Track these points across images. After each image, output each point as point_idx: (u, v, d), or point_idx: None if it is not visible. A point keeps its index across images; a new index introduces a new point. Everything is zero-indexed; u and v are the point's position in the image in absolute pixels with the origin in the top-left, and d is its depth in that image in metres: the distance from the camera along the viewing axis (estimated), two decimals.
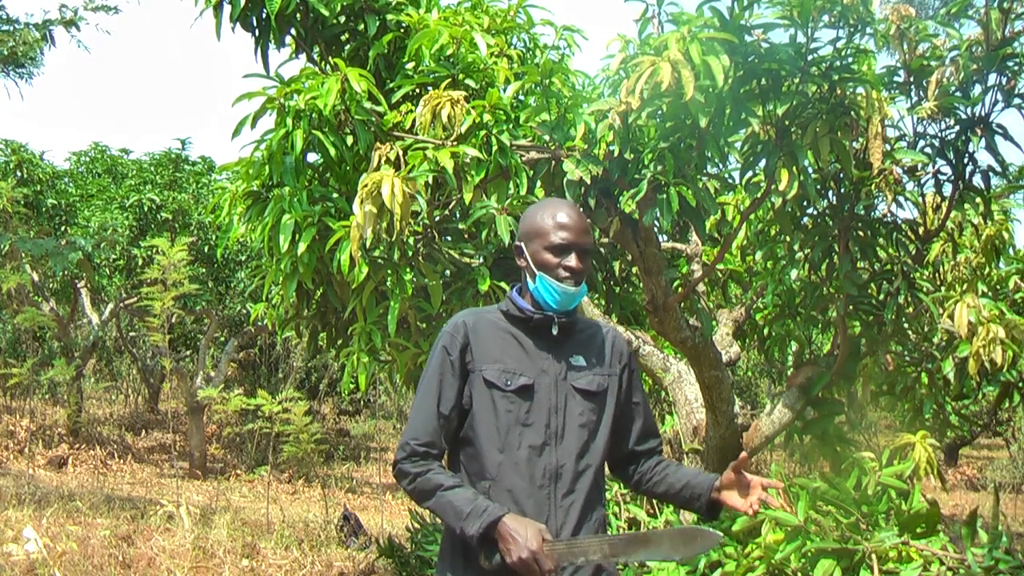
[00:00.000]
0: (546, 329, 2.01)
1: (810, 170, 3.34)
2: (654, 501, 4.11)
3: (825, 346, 5.48)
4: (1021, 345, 3.54)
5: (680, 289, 4.20)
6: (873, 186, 3.51)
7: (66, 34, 6.62)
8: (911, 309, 3.82)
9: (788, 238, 3.81)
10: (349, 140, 3.55)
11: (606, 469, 2.10)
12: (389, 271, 3.53)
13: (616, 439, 2.08)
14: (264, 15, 3.68)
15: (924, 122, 3.56)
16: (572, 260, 1.99)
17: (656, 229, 3.80)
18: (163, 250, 6.75)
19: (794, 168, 3.18)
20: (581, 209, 2.08)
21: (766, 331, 4.73)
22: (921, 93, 3.55)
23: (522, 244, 2.04)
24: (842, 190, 3.66)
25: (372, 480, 11.14)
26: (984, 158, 3.61)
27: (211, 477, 10.51)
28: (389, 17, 3.78)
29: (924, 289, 3.67)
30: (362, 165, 3.63)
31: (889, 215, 3.74)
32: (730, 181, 3.84)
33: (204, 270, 10.27)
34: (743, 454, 1.99)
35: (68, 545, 4.96)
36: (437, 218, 3.80)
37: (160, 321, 6.72)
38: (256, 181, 3.79)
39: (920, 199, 3.87)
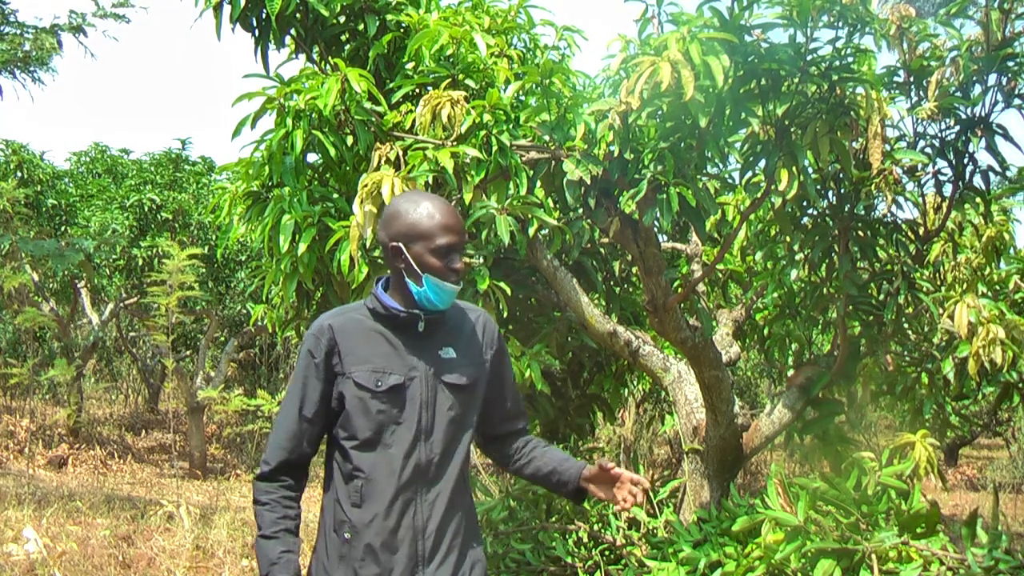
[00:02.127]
0: (413, 326, 2.00)
1: (810, 170, 3.34)
2: (655, 501, 4.11)
3: (825, 346, 5.48)
4: (1021, 345, 3.54)
5: (680, 289, 4.19)
6: (873, 186, 3.51)
7: (73, 39, 6.64)
8: (911, 309, 3.82)
9: (788, 238, 3.81)
10: (349, 140, 3.55)
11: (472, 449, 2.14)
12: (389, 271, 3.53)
13: (485, 421, 2.12)
14: (264, 15, 3.68)
15: (924, 122, 3.56)
16: (457, 262, 1.98)
17: (656, 229, 3.80)
18: (172, 253, 6.77)
19: (794, 168, 3.18)
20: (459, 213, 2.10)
21: (766, 331, 4.73)
22: (921, 93, 3.55)
23: (400, 244, 1.96)
24: (842, 190, 3.66)
25: None
26: (984, 158, 3.61)
27: (211, 477, 10.51)
28: (389, 17, 3.79)
29: (924, 289, 3.67)
30: (362, 165, 3.63)
31: (889, 215, 3.74)
32: (730, 181, 3.84)
33: (204, 270, 10.26)
34: (610, 465, 2.02)
35: (68, 545, 4.96)
36: None
37: (163, 322, 6.73)
38: (256, 181, 3.79)
39: (920, 199, 3.87)
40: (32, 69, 6.43)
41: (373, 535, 1.92)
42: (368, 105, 3.50)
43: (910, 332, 4.01)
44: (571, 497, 2.12)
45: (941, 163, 3.61)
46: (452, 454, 2.00)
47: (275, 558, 1.91)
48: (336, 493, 1.98)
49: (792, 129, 3.23)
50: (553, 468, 2.11)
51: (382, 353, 1.97)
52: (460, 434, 2.01)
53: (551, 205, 3.95)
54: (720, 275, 4.82)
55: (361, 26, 3.82)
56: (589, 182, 3.30)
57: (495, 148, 3.37)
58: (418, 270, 1.96)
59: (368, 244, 3.17)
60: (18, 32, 6.34)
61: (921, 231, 3.84)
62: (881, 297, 3.75)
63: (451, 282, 1.97)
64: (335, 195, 3.65)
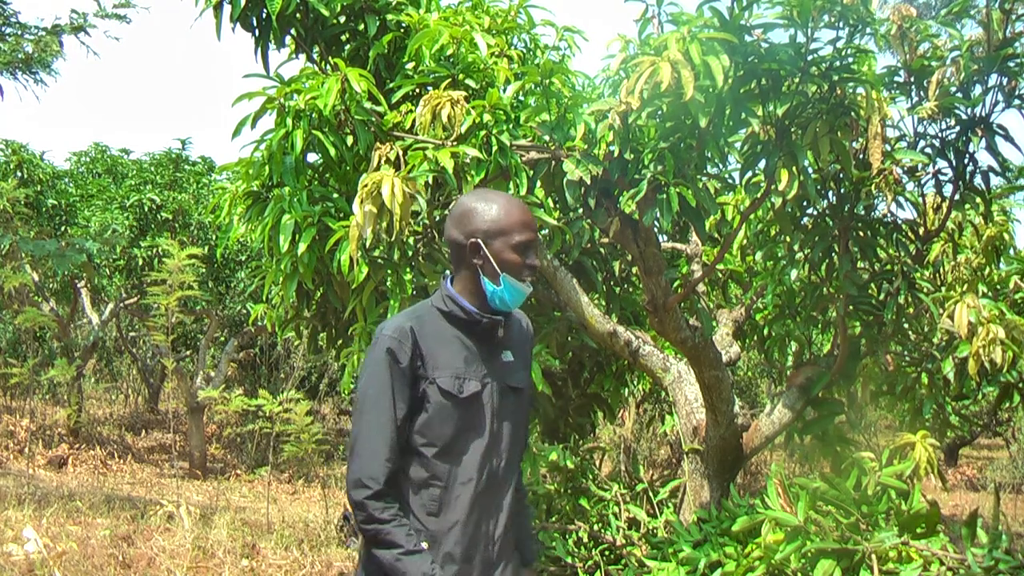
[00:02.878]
0: (492, 332, 1.97)
1: (810, 170, 3.34)
2: (655, 502, 4.11)
3: (825, 346, 5.48)
4: (1021, 345, 3.54)
5: (680, 289, 4.19)
6: (873, 186, 3.51)
7: (75, 40, 6.64)
8: (911, 309, 3.82)
9: (788, 238, 3.81)
10: (349, 140, 3.55)
11: None
12: (389, 271, 3.54)
13: None
14: (264, 15, 3.68)
15: (924, 122, 3.56)
16: (534, 258, 1.96)
17: (656, 229, 3.80)
18: (172, 252, 6.77)
19: (794, 168, 3.18)
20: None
21: (766, 331, 4.73)
22: (921, 93, 3.55)
23: (479, 241, 1.93)
24: (842, 190, 3.66)
25: None
26: (984, 158, 3.61)
27: (211, 477, 10.51)
28: (389, 17, 3.79)
29: (924, 289, 3.67)
30: (362, 165, 3.63)
31: (889, 215, 3.74)
32: (730, 181, 3.84)
33: (204, 270, 10.26)
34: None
35: (68, 545, 4.96)
36: (437, 218, 3.79)
37: (163, 321, 6.73)
38: (256, 181, 3.79)
39: (920, 199, 3.87)
40: (34, 70, 6.43)
41: (452, 544, 1.89)
42: (368, 105, 3.50)
43: (910, 332, 4.01)
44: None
45: (941, 163, 3.61)
46: (515, 459, 2.00)
47: (429, 570, 1.82)
48: (407, 502, 1.91)
49: (792, 129, 3.23)
50: (519, 538, 2.08)
51: (461, 358, 1.93)
52: (520, 439, 2.01)
53: (551, 205, 3.95)
54: (720, 275, 4.83)
55: (361, 26, 3.82)
56: (589, 182, 3.30)
57: (495, 148, 3.37)
58: (496, 268, 1.92)
59: (368, 244, 3.17)
60: (19, 33, 6.34)
61: (921, 231, 3.84)
62: (881, 297, 3.75)
63: (526, 280, 1.96)
64: (335, 195, 3.65)
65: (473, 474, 1.91)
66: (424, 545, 1.86)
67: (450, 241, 1.99)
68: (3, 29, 6.31)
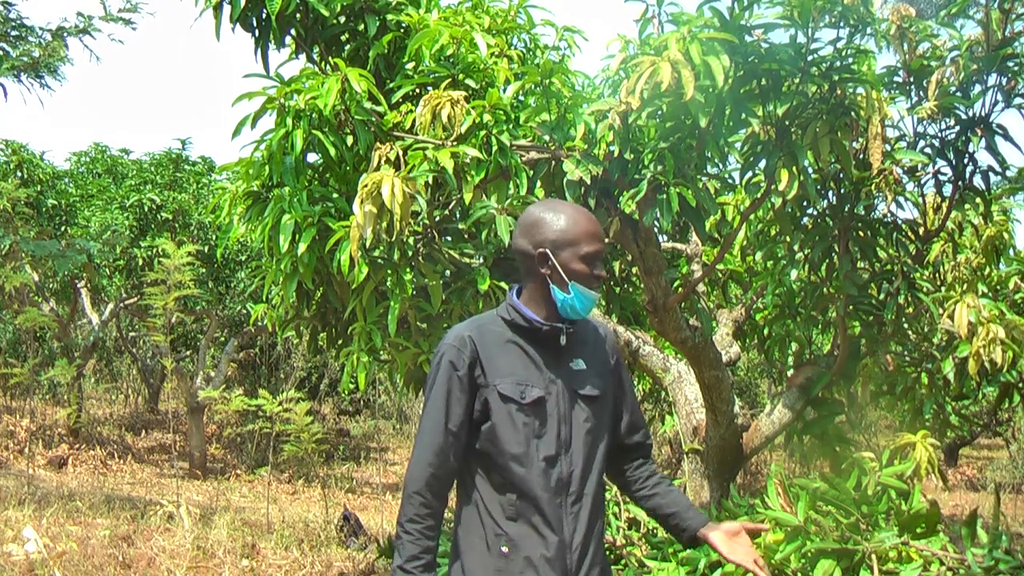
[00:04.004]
0: (554, 339, 1.99)
1: (810, 170, 3.34)
2: None
3: (825, 346, 5.48)
4: (1021, 345, 3.54)
5: (680, 289, 4.20)
6: (873, 186, 3.51)
7: (77, 42, 6.64)
8: (911, 309, 3.82)
9: (788, 238, 3.81)
10: (349, 140, 3.55)
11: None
12: (389, 271, 3.53)
13: (614, 431, 2.11)
14: (264, 15, 3.68)
15: (924, 122, 3.56)
16: (601, 269, 1.98)
17: (656, 229, 3.80)
18: (169, 252, 6.77)
19: (794, 168, 3.18)
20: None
21: (766, 331, 4.73)
22: (921, 93, 3.55)
23: (547, 251, 1.96)
24: (842, 190, 3.66)
25: (372, 480, 11.14)
26: (984, 158, 3.61)
27: (211, 477, 10.51)
28: (389, 17, 3.78)
29: (924, 289, 3.67)
30: (362, 165, 3.62)
31: (889, 215, 3.74)
32: (730, 181, 3.84)
33: (204, 270, 10.27)
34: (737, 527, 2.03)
35: (68, 545, 4.96)
36: (437, 218, 3.79)
37: (162, 321, 6.74)
38: (256, 181, 3.78)
39: (920, 199, 3.87)
40: (40, 75, 6.43)
41: (531, 548, 1.90)
42: (368, 105, 3.50)
43: (910, 332, 4.01)
44: (683, 542, 2.11)
45: (941, 163, 3.61)
46: (591, 467, 1.99)
47: None
48: (485, 506, 1.94)
49: (792, 129, 3.23)
50: (675, 512, 2.09)
51: (523, 366, 1.96)
52: (596, 446, 2.00)
53: None
54: (720, 275, 4.83)
55: (361, 26, 3.82)
56: (589, 182, 3.30)
57: (495, 148, 3.37)
58: (565, 277, 1.95)
59: (368, 244, 3.17)
60: (24, 37, 6.34)
61: (921, 231, 3.84)
62: (881, 297, 3.75)
63: (595, 289, 1.97)
64: (335, 195, 3.65)
65: (543, 480, 1.93)
66: (505, 549, 1.91)
67: (518, 251, 2.02)
68: (9, 32, 6.31)
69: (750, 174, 3.44)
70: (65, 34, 6.50)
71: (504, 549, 1.91)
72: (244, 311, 10.81)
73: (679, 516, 2.09)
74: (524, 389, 1.94)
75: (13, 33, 6.33)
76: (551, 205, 2.03)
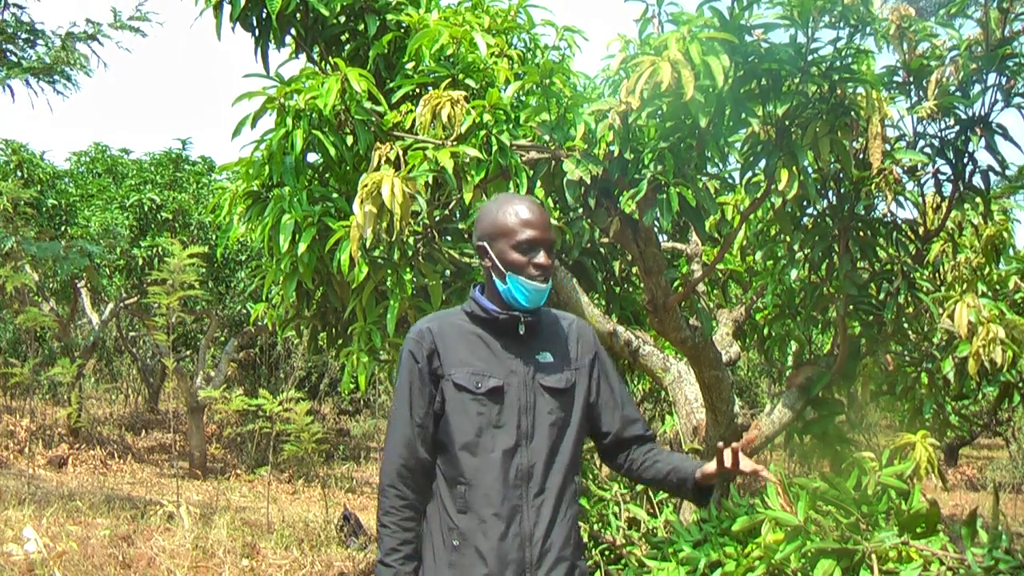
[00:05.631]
0: (512, 329, 2.00)
1: (810, 170, 3.34)
2: (655, 501, 4.11)
3: (825, 346, 5.48)
4: (1021, 345, 3.54)
5: (680, 289, 4.20)
6: (873, 186, 3.51)
7: (85, 47, 6.64)
8: (911, 309, 3.82)
9: (788, 238, 3.81)
10: (349, 140, 3.55)
11: (596, 462, 2.12)
12: (389, 271, 3.53)
13: (596, 429, 2.10)
14: (264, 15, 3.68)
15: (924, 122, 3.56)
16: (541, 257, 1.97)
17: (656, 229, 3.80)
18: (173, 252, 6.78)
19: (794, 168, 3.18)
20: (540, 205, 2.07)
21: (766, 331, 4.72)
22: (921, 93, 3.55)
23: (485, 244, 2.00)
24: (842, 190, 3.66)
25: (372, 480, 11.14)
26: (984, 158, 3.61)
27: (211, 477, 10.51)
28: (389, 17, 3.78)
29: (924, 289, 3.67)
30: (362, 165, 3.62)
31: (889, 215, 3.74)
32: (730, 181, 3.84)
33: (204, 270, 10.27)
34: (747, 440, 2.00)
35: (68, 545, 4.96)
36: (437, 218, 3.79)
37: (164, 321, 6.74)
38: (256, 181, 3.79)
39: (920, 199, 3.87)
40: (53, 79, 6.44)
41: (482, 541, 1.91)
42: (368, 105, 3.50)
43: (910, 332, 4.01)
44: (694, 499, 2.08)
45: (941, 163, 3.61)
46: (555, 460, 1.98)
47: None
48: (440, 500, 1.97)
49: (792, 129, 3.23)
50: (672, 468, 2.08)
51: (481, 356, 1.97)
52: (561, 439, 2.00)
53: (551, 205, 3.95)
54: (720, 275, 4.83)
55: (361, 26, 3.82)
56: (589, 182, 3.30)
57: (495, 148, 3.37)
58: (502, 267, 1.97)
59: (368, 244, 3.17)
60: (32, 40, 6.35)
61: (921, 231, 3.84)
62: (881, 297, 3.75)
63: (535, 278, 1.97)
64: (335, 195, 3.65)
65: (498, 472, 1.93)
66: (456, 543, 1.92)
67: (474, 246, 2.07)
68: (19, 36, 6.32)
69: (750, 174, 3.44)
70: (75, 40, 6.51)
71: (455, 542, 1.92)
72: (244, 311, 10.81)
73: (677, 470, 2.07)
74: (480, 379, 1.95)
75: (24, 36, 6.34)
76: (495, 199, 2.06)
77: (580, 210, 3.69)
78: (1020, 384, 4.13)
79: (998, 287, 4.84)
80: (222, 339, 12.58)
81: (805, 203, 3.70)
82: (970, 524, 2.94)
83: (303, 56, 3.95)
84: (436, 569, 1.94)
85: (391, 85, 3.71)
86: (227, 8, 3.69)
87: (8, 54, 6.24)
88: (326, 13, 3.62)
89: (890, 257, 3.74)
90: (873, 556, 2.86)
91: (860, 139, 3.35)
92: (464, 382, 1.94)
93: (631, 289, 4.89)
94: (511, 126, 3.47)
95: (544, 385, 1.99)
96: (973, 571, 2.80)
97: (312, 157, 3.72)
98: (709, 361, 3.75)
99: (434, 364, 1.96)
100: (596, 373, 2.09)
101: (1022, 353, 3.54)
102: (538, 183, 3.55)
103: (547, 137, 3.43)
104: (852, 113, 3.17)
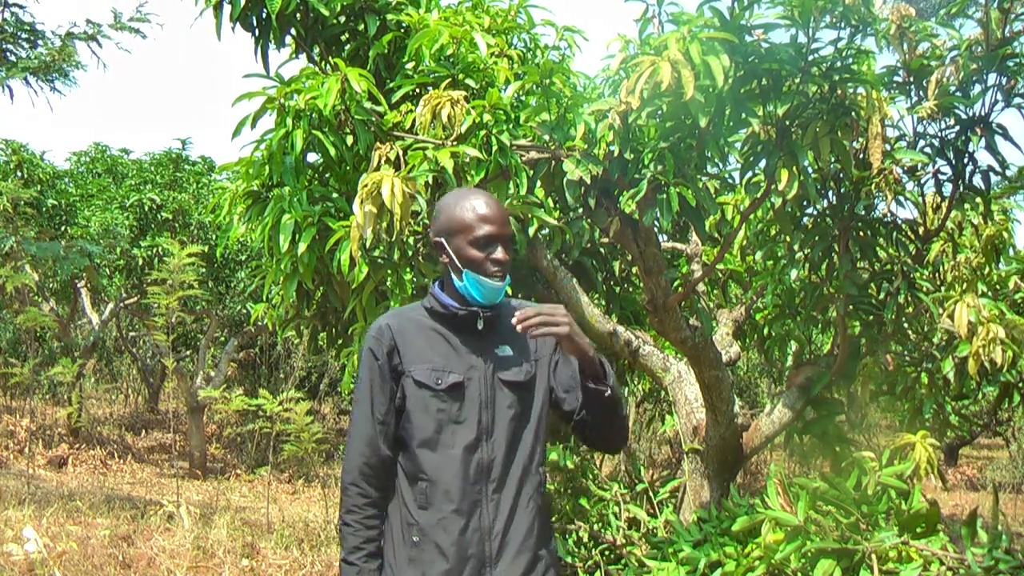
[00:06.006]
0: (472, 324, 1.99)
1: (810, 170, 3.34)
2: (655, 501, 4.11)
3: (825, 346, 5.48)
4: (1021, 345, 3.54)
5: (680, 289, 4.19)
6: (873, 186, 3.51)
7: (84, 47, 6.65)
8: (911, 309, 3.82)
9: (788, 238, 3.81)
10: (349, 140, 3.55)
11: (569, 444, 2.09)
12: (389, 271, 3.53)
13: (564, 411, 2.07)
14: (264, 15, 3.68)
15: (924, 122, 3.56)
16: (499, 253, 1.97)
17: (656, 229, 3.80)
18: (173, 252, 6.78)
19: (794, 168, 3.18)
20: (497, 201, 2.04)
21: (766, 331, 4.72)
22: (921, 93, 3.55)
23: (442, 240, 1.99)
24: (842, 190, 3.66)
25: None
26: (984, 158, 3.61)
27: (211, 477, 10.51)
28: (389, 17, 3.78)
29: (924, 289, 3.67)
30: (362, 165, 3.63)
31: (889, 215, 3.74)
32: (730, 181, 3.84)
33: (204, 270, 10.27)
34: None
35: (68, 545, 4.96)
36: None
37: (163, 321, 6.74)
38: (256, 181, 3.79)
39: (920, 199, 3.87)
40: (51, 78, 6.44)
41: (442, 537, 1.91)
42: (368, 105, 3.50)
43: (910, 332, 4.01)
44: (596, 391, 1.96)
45: (941, 163, 3.61)
46: (515, 454, 1.98)
47: None
48: (401, 496, 1.97)
49: (792, 129, 3.23)
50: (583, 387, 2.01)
51: (441, 352, 1.97)
52: (522, 432, 1.99)
53: (551, 205, 3.95)
54: (720, 275, 4.83)
55: (361, 26, 3.82)
56: (589, 182, 3.30)
57: (495, 148, 3.37)
58: (459, 264, 1.96)
59: (368, 244, 3.17)
60: (33, 40, 6.35)
61: (921, 231, 3.84)
62: (881, 297, 3.75)
63: (492, 275, 1.96)
64: (335, 195, 3.65)
65: (458, 468, 1.92)
66: (416, 539, 1.91)
67: (431, 242, 2.06)
68: (19, 36, 6.32)
69: (750, 174, 3.44)
70: (74, 39, 6.50)
71: (415, 538, 1.92)
72: (244, 311, 10.81)
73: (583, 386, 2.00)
74: (440, 375, 1.94)
75: (24, 36, 6.34)
76: (452, 194, 2.05)
77: (580, 210, 3.69)
78: (1020, 384, 4.13)
79: (998, 287, 4.84)
80: (222, 339, 12.58)
81: (805, 203, 3.70)
82: (970, 524, 2.94)
83: (303, 56, 3.95)
84: (396, 565, 1.94)
85: (391, 85, 3.71)
86: (227, 8, 3.69)
87: (8, 54, 6.24)
88: (326, 13, 3.62)
89: (890, 257, 3.74)
90: (873, 556, 2.86)
91: (860, 139, 3.35)
92: (424, 379, 1.94)
93: (631, 289, 4.89)
94: (511, 126, 3.47)
95: (503, 379, 1.98)
96: (973, 571, 2.80)
97: (312, 157, 3.72)
98: (709, 361, 3.75)
99: (394, 361, 1.96)
100: (557, 358, 2.07)
101: (1022, 353, 3.54)
102: (538, 183, 3.55)
103: (547, 137, 3.43)
104: (852, 113, 3.17)
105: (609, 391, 1.97)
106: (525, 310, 1.89)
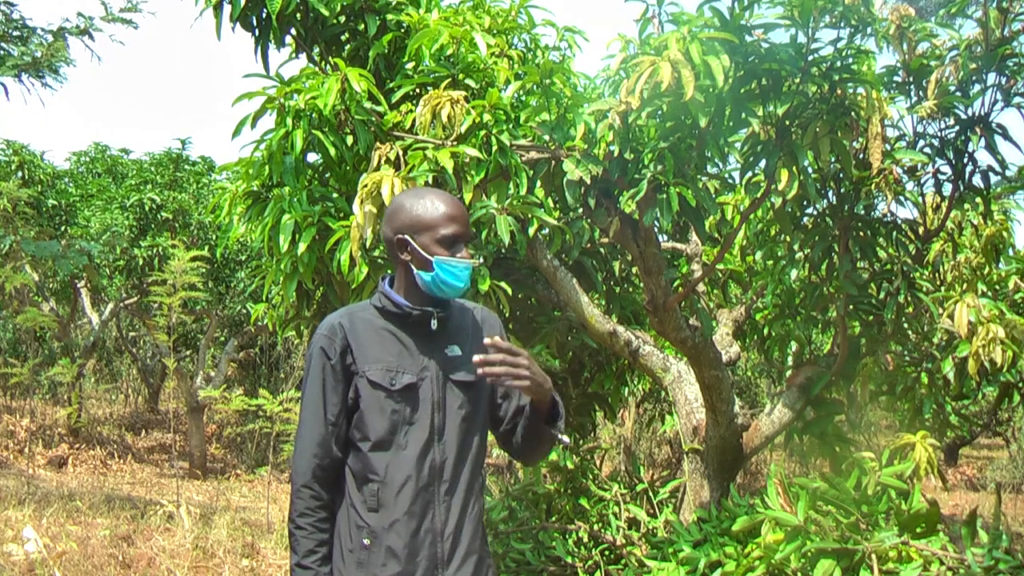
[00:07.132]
0: (425, 324, 1.97)
1: (810, 170, 3.34)
2: (655, 501, 4.11)
3: (825, 346, 5.48)
4: (1021, 345, 3.54)
5: (680, 289, 4.20)
6: (873, 186, 3.51)
7: (78, 42, 6.63)
8: (911, 309, 3.82)
9: (788, 238, 3.81)
10: (349, 140, 3.55)
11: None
12: (389, 271, 3.53)
13: (497, 416, 2.07)
14: (264, 15, 3.68)
15: (924, 122, 3.57)
16: (462, 252, 1.96)
17: (656, 229, 3.80)
18: (176, 254, 6.79)
19: (794, 168, 3.18)
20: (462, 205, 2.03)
21: (766, 331, 4.73)
22: (921, 93, 3.55)
23: (407, 236, 1.95)
24: (842, 190, 3.66)
25: None
26: (984, 158, 3.61)
27: (211, 477, 10.51)
28: (389, 17, 3.78)
29: (924, 289, 3.67)
30: (362, 165, 3.63)
31: (889, 215, 3.74)
32: (730, 181, 3.84)
33: (204, 270, 10.27)
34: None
35: (68, 545, 4.96)
36: None
37: (164, 321, 6.75)
38: (256, 181, 3.79)
39: (920, 199, 3.87)
40: (41, 74, 6.43)
41: (394, 539, 1.89)
42: (368, 105, 3.50)
43: (910, 332, 4.01)
44: (542, 422, 1.99)
45: (941, 162, 3.62)
46: (465, 455, 1.97)
47: None
48: (350, 499, 1.93)
49: (792, 129, 3.23)
50: (526, 411, 2.02)
51: (394, 352, 1.94)
52: (471, 434, 1.99)
53: (551, 205, 3.95)
54: (720, 275, 4.82)
55: (361, 26, 3.82)
56: (589, 182, 3.30)
57: (495, 148, 3.37)
58: (427, 256, 1.94)
59: (368, 244, 3.17)
60: (24, 37, 6.34)
61: (921, 231, 3.84)
62: (881, 297, 3.75)
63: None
64: (335, 195, 3.65)
65: (411, 470, 1.91)
66: (367, 541, 1.89)
67: (384, 240, 2.03)
68: (11, 33, 6.31)
69: (750, 174, 3.44)
70: (66, 34, 6.49)
71: (366, 541, 1.90)
72: (244, 311, 10.80)
73: (527, 412, 2.01)
74: (394, 376, 1.92)
75: (15, 34, 6.34)
76: (413, 192, 2.03)
77: (580, 210, 3.69)
78: (1020, 384, 4.13)
79: (998, 287, 4.83)
80: (222, 339, 12.58)
81: (805, 203, 3.70)
82: (970, 524, 2.94)
83: (303, 56, 3.95)
84: (345, 569, 1.91)
85: (391, 85, 3.71)
86: (227, 8, 3.69)
87: None
88: (326, 13, 3.62)
89: (890, 257, 3.74)
90: (873, 556, 2.86)
91: (860, 139, 3.35)
92: (379, 379, 1.91)
93: (631, 289, 4.89)
94: (511, 126, 3.47)
95: (454, 380, 1.97)
96: (973, 571, 2.80)
97: (312, 157, 3.72)
98: (709, 361, 3.75)
99: (347, 360, 1.92)
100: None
101: (1022, 353, 3.54)
102: (538, 183, 3.55)
103: (547, 137, 3.43)
104: (852, 113, 3.17)
105: (556, 432, 1.99)
106: (487, 355, 1.85)
